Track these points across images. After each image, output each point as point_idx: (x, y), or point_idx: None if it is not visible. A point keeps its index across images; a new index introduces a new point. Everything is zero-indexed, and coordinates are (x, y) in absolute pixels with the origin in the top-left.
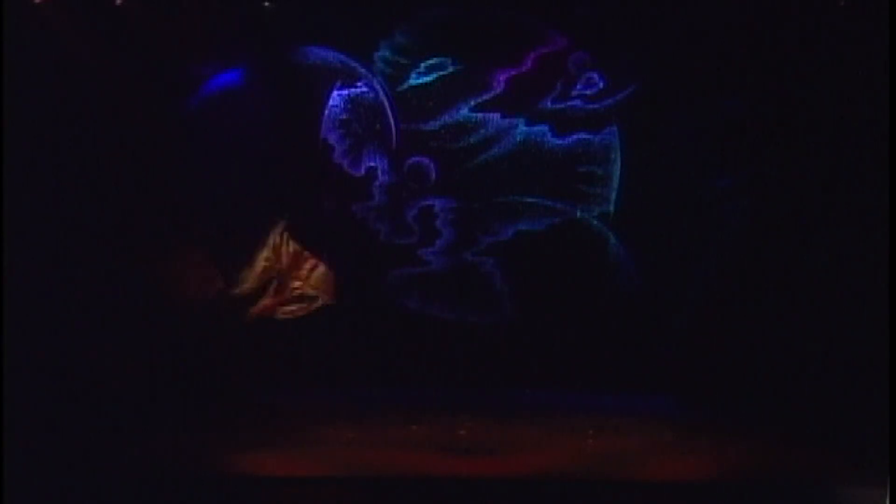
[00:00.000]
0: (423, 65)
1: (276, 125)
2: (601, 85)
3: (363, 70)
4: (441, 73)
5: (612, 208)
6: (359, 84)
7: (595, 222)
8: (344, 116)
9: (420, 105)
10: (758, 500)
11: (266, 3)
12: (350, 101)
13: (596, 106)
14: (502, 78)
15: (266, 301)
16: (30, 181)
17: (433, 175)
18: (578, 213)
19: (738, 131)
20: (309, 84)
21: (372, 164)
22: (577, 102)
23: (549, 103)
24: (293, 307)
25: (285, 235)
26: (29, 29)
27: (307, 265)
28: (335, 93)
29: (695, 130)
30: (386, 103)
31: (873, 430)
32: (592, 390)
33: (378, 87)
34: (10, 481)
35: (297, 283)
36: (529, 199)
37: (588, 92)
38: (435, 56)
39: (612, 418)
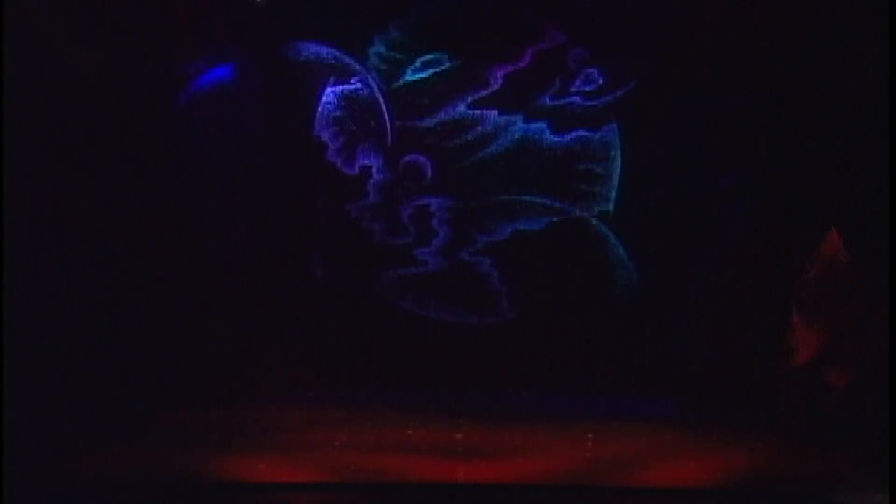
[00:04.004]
0: (418, 60)
1: (268, 122)
2: (601, 81)
3: (357, 66)
4: (437, 69)
5: (611, 207)
6: (353, 80)
7: (594, 221)
8: (338, 113)
9: (416, 102)
10: None
11: None
12: (344, 97)
13: (595, 103)
14: (500, 74)
15: None
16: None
17: (429, 173)
18: (577, 213)
19: (740, 128)
20: (302, 80)
21: (366, 162)
22: (577, 99)
23: (547, 100)
24: None
25: None
26: (16, 25)
27: None
28: (329, 89)
29: (696, 127)
30: (381, 100)
31: (876, 435)
32: (592, 393)
33: (373, 83)
34: (9, 481)
35: None
36: (527, 198)
37: (587, 88)
38: (431, 51)
39: (612, 421)
